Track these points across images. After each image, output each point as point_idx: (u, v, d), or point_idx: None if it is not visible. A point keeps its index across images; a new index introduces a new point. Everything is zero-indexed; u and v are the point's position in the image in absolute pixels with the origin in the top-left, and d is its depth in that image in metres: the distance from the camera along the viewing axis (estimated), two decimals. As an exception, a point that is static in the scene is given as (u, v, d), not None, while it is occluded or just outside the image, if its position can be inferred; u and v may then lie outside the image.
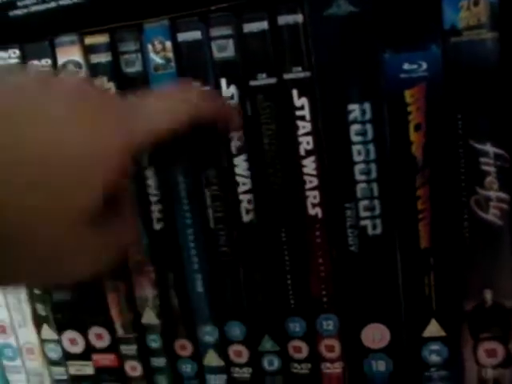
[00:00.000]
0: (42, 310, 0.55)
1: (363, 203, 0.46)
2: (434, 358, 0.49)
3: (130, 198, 0.37)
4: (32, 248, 0.30)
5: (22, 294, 0.55)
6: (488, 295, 0.46)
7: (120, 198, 0.35)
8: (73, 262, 0.32)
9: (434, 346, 0.48)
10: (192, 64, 0.47)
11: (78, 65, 0.49)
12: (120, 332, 0.54)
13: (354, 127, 0.45)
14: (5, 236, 0.29)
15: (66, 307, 0.55)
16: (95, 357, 0.57)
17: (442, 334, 0.48)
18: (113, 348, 0.56)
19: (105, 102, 0.34)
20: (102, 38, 0.48)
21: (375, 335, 0.49)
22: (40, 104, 0.31)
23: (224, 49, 0.46)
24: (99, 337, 0.56)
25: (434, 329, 0.48)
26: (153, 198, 0.50)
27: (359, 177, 0.45)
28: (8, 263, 0.30)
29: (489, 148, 0.43)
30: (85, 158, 0.31)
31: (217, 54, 0.46)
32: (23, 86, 0.32)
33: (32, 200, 0.29)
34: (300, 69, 0.45)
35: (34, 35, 0.49)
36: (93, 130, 0.32)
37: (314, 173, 0.46)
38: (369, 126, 0.45)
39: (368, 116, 0.44)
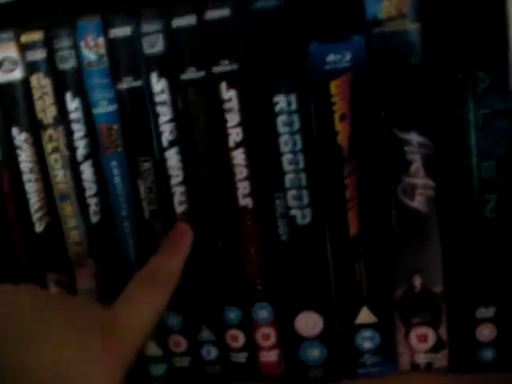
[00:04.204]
0: None
1: (292, 193, 0.47)
2: (367, 345, 0.50)
3: None
4: None
5: None
6: (417, 281, 0.47)
7: None
8: None
9: (367, 333, 0.49)
10: (124, 59, 0.48)
11: (14, 62, 0.49)
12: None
13: (281, 118, 0.46)
14: None
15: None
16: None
17: (374, 320, 0.49)
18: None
19: (91, 325, 0.39)
20: (37, 35, 0.49)
21: (308, 323, 0.50)
22: (38, 329, 0.36)
23: (154, 44, 0.47)
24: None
25: (365, 315, 0.49)
26: (89, 192, 0.50)
27: (287, 167, 0.46)
28: None
29: (413, 136, 0.44)
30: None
31: (147, 50, 0.47)
32: (21, 309, 0.37)
33: None
34: (227, 62, 0.46)
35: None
36: (83, 354, 0.36)
37: (244, 163, 0.47)
38: (295, 117, 0.46)
39: (294, 107, 0.45)
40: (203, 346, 0.53)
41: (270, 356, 0.52)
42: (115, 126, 0.49)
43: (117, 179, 0.50)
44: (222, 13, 0.46)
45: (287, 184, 0.47)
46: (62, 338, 0.36)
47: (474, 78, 0.43)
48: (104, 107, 0.49)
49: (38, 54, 0.49)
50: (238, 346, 0.52)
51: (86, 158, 0.50)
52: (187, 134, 0.48)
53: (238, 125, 0.47)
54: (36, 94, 0.50)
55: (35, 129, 0.51)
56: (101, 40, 0.48)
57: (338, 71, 0.45)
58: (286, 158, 0.46)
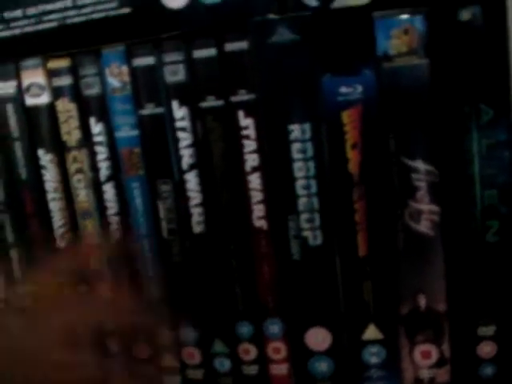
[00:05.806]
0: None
1: (304, 216, 0.49)
2: (373, 360, 0.52)
3: None
4: None
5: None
6: (422, 300, 0.50)
7: None
8: None
9: (373, 349, 0.52)
10: (146, 87, 0.50)
11: (41, 87, 0.51)
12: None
13: (295, 146, 0.48)
14: None
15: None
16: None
17: (380, 336, 0.51)
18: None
19: None
20: (63, 62, 0.51)
21: (318, 338, 0.52)
22: None
23: (175, 73, 0.49)
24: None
25: (372, 332, 0.51)
26: (111, 211, 0.53)
27: (300, 191, 0.49)
28: None
29: (419, 164, 0.47)
30: None
31: (169, 78, 0.49)
32: None
33: None
34: (245, 92, 0.48)
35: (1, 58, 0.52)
36: None
37: (259, 188, 0.50)
38: (309, 145, 0.48)
39: (308, 135, 0.48)
40: (216, 358, 0.55)
41: (280, 369, 0.54)
42: (136, 150, 0.51)
43: (137, 200, 0.52)
44: (240, 45, 0.48)
45: (300, 207, 0.49)
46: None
47: (478, 111, 0.46)
48: (126, 132, 0.51)
49: (64, 80, 0.52)
50: (250, 359, 0.55)
51: (109, 179, 0.52)
52: (206, 159, 0.50)
53: (255, 151, 0.49)
54: (61, 117, 0.52)
55: (60, 150, 0.53)
56: (124, 68, 0.50)
57: (350, 102, 0.47)
58: (300, 183, 0.48)
